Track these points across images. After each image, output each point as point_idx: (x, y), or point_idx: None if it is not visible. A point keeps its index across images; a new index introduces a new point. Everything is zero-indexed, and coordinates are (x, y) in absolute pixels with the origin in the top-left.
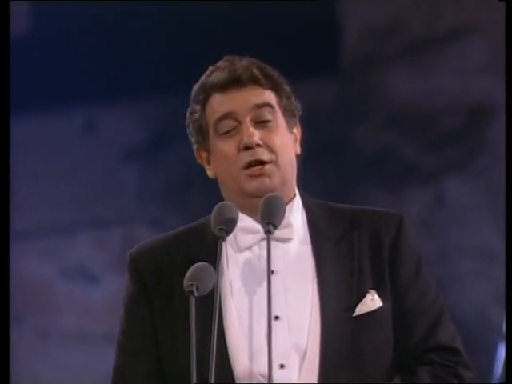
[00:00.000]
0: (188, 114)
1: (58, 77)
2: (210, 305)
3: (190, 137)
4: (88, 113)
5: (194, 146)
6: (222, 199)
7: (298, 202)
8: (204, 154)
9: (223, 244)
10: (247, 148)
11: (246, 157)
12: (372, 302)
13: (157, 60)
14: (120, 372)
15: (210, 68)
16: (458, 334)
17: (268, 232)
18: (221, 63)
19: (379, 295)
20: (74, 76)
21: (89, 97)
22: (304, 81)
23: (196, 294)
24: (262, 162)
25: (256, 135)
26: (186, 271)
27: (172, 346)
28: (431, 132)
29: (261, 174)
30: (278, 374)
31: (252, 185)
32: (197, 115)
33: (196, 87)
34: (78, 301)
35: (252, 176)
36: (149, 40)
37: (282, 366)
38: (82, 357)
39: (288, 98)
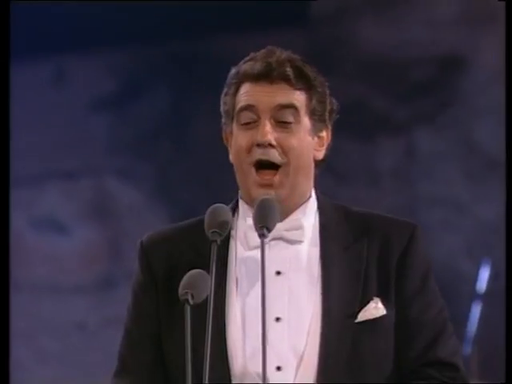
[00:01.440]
0: (222, 95)
1: (28, 27)
2: (218, 301)
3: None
4: (58, 63)
5: (223, 127)
6: (187, 158)
7: (312, 204)
8: (228, 137)
9: (233, 241)
10: (259, 145)
11: (257, 154)
12: (375, 309)
13: (127, 11)
14: (124, 360)
15: (251, 54)
16: (458, 348)
17: (262, 236)
18: (261, 53)
19: (383, 304)
20: (45, 26)
21: (59, 47)
22: (274, 31)
23: (191, 303)
24: (272, 165)
25: (271, 134)
26: (193, 267)
27: (172, 342)
28: (402, 83)
29: (269, 185)
30: (274, 376)
31: (258, 194)
32: (228, 98)
33: (233, 70)
34: (47, 251)
35: (261, 185)
36: None
37: (278, 368)
38: (53, 307)
39: (320, 101)
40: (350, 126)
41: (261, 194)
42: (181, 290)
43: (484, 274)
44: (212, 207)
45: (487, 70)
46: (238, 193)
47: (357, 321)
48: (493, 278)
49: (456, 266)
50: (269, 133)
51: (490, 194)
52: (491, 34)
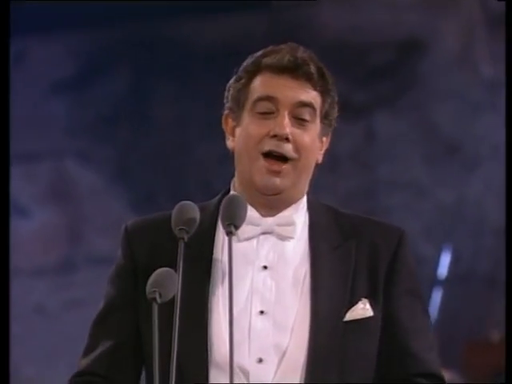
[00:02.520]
0: (233, 80)
1: None
2: (201, 291)
3: (225, 100)
4: (18, 45)
5: (225, 112)
6: (147, 141)
7: (304, 203)
8: (231, 124)
9: (220, 232)
10: (276, 136)
11: (270, 145)
12: (363, 310)
13: None
14: (92, 343)
15: (271, 47)
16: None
17: (230, 233)
18: (284, 46)
19: (371, 305)
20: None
21: (19, 29)
22: (235, 16)
23: (159, 301)
24: (283, 158)
25: (289, 128)
26: (175, 257)
27: (150, 334)
28: (362, 67)
29: (277, 172)
30: (254, 368)
31: (263, 179)
32: (241, 84)
33: (251, 58)
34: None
35: (268, 171)
36: None
37: (260, 361)
38: (12, 291)
39: (332, 106)
40: None
41: (264, 181)
42: (148, 289)
43: (445, 259)
44: (179, 204)
45: (446, 54)
46: (199, 177)
47: (345, 320)
48: (454, 263)
49: (416, 250)
50: (287, 126)
51: (449, 177)
52: (450, 18)
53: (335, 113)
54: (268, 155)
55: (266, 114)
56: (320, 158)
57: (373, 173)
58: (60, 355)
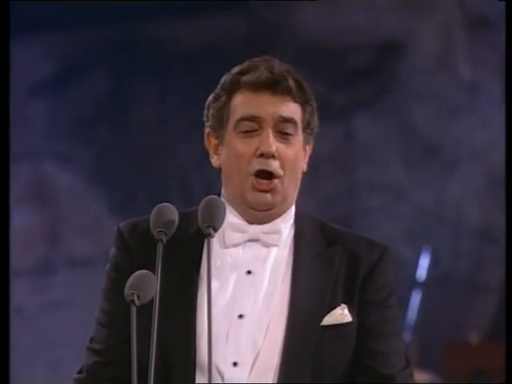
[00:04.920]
0: (211, 98)
1: None
2: (190, 293)
3: (204, 118)
4: None
5: (206, 130)
6: (126, 143)
7: (292, 212)
8: (214, 142)
9: (211, 238)
10: (262, 155)
11: (259, 164)
12: (341, 315)
13: None
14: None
15: (247, 63)
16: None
17: (208, 235)
18: (260, 61)
19: (349, 312)
20: None
21: None
22: (215, 16)
23: (137, 304)
24: (271, 174)
25: (274, 145)
26: (169, 254)
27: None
28: (341, 69)
29: (267, 190)
30: (230, 371)
31: (255, 197)
32: (221, 103)
33: (228, 76)
34: None
35: (258, 189)
36: None
37: (234, 364)
38: None
39: (312, 115)
40: None
41: (255, 198)
42: (127, 291)
43: (424, 261)
44: (158, 206)
45: (426, 56)
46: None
47: (322, 324)
48: (433, 265)
49: (395, 252)
50: (273, 144)
51: (429, 179)
52: (430, 20)
53: (316, 120)
54: (257, 174)
55: (250, 132)
56: (305, 167)
57: (352, 175)
58: (38, 357)
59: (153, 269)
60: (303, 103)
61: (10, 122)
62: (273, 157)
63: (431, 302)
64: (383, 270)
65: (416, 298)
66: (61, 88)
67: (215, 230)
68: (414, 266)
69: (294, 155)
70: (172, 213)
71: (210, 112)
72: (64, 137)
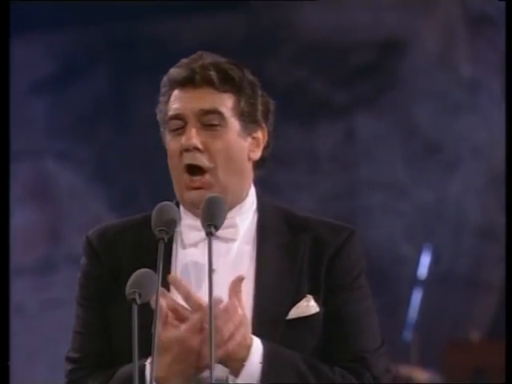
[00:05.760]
0: (158, 103)
1: None
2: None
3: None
4: None
5: (161, 135)
6: (126, 141)
7: (249, 204)
8: (165, 144)
9: (174, 242)
10: (186, 150)
11: (186, 159)
12: (307, 307)
13: None
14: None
15: (181, 60)
16: (377, 347)
17: (209, 234)
18: (188, 58)
19: (315, 301)
20: None
21: None
22: (215, 15)
23: (138, 302)
24: (201, 169)
25: (196, 139)
26: (140, 261)
27: (119, 335)
28: (342, 67)
29: (200, 187)
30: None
31: (190, 196)
32: (161, 106)
33: (163, 79)
34: None
35: (191, 187)
36: None
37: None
38: None
39: (250, 102)
40: (290, 110)
41: (191, 197)
42: (128, 289)
43: (425, 260)
44: (159, 205)
45: (427, 54)
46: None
47: (287, 318)
48: (434, 264)
49: (396, 250)
50: (193, 137)
51: (429, 177)
52: (431, 19)
53: (258, 107)
54: (189, 169)
55: (178, 130)
56: (255, 155)
57: (353, 173)
58: (39, 355)
59: (121, 273)
60: (233, 91)
61: (12, 121)
62: (197, 150)
63: (432, 300)
64: (349, 252)
65: (417, 296)
66: (62, 86)
67: (216, 229)
68: (415, 264)
69: (223, 146)
70: (173, 212)
71: (158, 116)
72: (65, 135)
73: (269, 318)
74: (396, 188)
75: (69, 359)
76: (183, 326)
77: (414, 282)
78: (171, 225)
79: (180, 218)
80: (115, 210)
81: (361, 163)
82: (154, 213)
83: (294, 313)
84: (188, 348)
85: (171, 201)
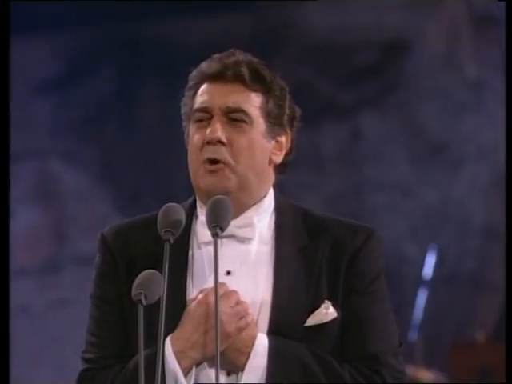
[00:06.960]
0: (183, 97)
1: None
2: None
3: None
4: None
5: (184, 130)
6: (132, 142)
7: (267, 204)
8: (187, 140)
9: (190, 239)
10: (209, 143)
11: (207, 153)
12: (325, 315)
13: None
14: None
15: (212, 55)
16: (397, 348)
17: (215, 235)
18: (220, 54)
19: (334, 306)
20: None
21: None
22: (222, 15)
23: (144, 303)
24: (219, 162)
25: (221, 132)
26: (155, 259)
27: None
28: (347, 67)
29: (215, 171)
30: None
31: (206, 181)
32: (187, 99)
33: (192, 73)
34: None
35: (208, 172)
36: None
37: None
38: None
39: (278, 105)
40: None
41: (207, 182)
42: (134, 291)
43: (430, 260)
44: (165, 206)
45: (432, 54)
46: (187, 184)
47: (306, 325)
48: (439, 264)
49: (401, 250)
50: (218, 130)
51: (435, 177)
52: (436, 19)
53: (285, 111)
54: (208, 163)
55: (202, 122)
56: (277, 159)
57: (358, 173)
58: (44, 355)
59: (136, 273)
60: (263, 91)
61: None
62: (221, 143)
63: (437, 300)
64: (368, 254)
65: (422, 297)
66: (66, 87)
67: (222, 230)
68: (420, 264)
69: (247, 143)
70: (179, 213)
71: (182, 109)
72: (70, 135)
73: (287, 322)
74: (401, 188)
75: (84, 360)
76: (211, 296)
77: (419, 282)
78: (177, 226)
79: (196, 216)
80: (120, 209)
81: (366, 163)
82: (159, 214)
83: (311, 320)
84: (210, 317)
85: (176, 201)
